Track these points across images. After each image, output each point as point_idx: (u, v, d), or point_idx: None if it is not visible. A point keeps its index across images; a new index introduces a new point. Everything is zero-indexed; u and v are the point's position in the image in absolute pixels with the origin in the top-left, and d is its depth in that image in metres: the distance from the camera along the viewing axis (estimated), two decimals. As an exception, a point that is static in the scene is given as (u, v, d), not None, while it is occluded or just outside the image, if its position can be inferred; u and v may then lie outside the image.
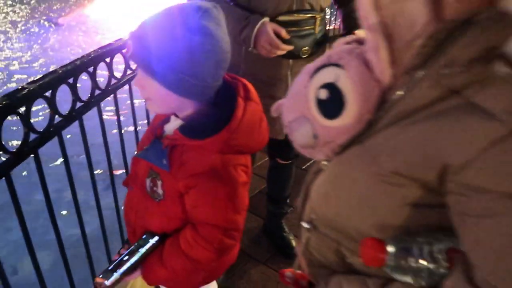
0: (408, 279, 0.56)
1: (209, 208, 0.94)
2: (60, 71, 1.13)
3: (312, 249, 0.73)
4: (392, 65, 0.58)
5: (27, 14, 9.23)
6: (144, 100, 0.93)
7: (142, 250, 0.99)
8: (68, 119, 1.21)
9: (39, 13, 9.25)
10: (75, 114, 1.24)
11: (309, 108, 0.64)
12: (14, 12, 9.45)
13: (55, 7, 9.71)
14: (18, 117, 0.99)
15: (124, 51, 1.38)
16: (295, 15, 1.42)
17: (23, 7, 10.02)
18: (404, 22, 0.56)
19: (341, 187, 0.63)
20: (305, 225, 0.72)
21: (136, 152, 1.08)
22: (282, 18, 1.41)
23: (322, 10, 1.51)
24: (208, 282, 1.17)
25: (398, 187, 0.55)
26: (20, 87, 1.00)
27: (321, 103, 0.62)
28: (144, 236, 1.02)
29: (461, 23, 0.52)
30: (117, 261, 0.97)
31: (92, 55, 1.27)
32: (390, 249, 0.55)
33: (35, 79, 1.06)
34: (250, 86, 0.97)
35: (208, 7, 0.84)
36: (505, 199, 0.47)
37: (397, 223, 0.57)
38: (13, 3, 10.20)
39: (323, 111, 0.62)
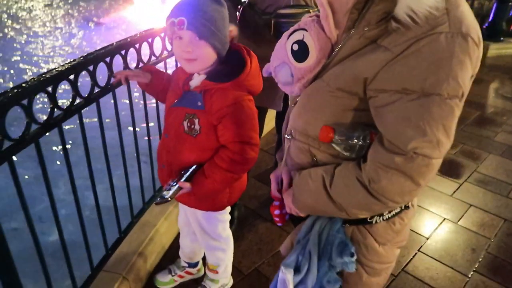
0: (346, 153, 0.90)
1: (236, 128, 1.32)
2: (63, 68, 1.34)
3: (291, 154, 1.05)
4: (336, 28, 0.91)
5: (68, 13, 9.91)
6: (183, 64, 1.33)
7: (187, 173, 1.35)
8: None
9: (79, 13, 9.91)
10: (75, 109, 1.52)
11: (287, 57, 0.96)
12: (55, 9, 10.16)
13: (95, 8, 10.35)
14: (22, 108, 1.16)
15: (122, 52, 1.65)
16: (293, 9, 1.71)
17: (64, 6, 10.74)
18: (340, 0, 0.87)
19: (308, 105, 0.97)
20: (287, 136, 1.05)
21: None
22: (281, 11, 1.70)
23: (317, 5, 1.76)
24: (231, 203, 1.58)
25: (341, 98, 0.88)
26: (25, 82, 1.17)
27: (294, 53, 0.95)
28: (183, 171, 1.36)
29: None
30: (168, 186, 1.32)
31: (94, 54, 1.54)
32: (336, 132, 0.89)
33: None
34: (248, 48, 1.37)
35: None
36: (394, 93, 0.79)
37: (341, 121, 0.90)
38: (55, 2, 10.95)
39: (295, 58, 0.95)
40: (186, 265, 1.92)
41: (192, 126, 1.35)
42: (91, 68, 1.46)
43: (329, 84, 0.89)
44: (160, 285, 1.92)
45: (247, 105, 1.35)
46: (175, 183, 1.34)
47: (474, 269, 2.13)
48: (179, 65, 1.41)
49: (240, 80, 1.31)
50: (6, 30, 8.29)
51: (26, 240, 1.35)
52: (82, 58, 1.43)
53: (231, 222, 2.16)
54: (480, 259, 2.19)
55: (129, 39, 1.66)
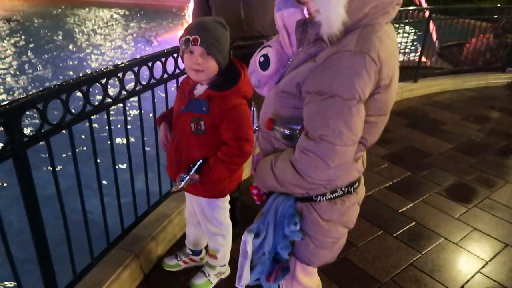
0: (285, 140, 1.18)
1: (236, 127, 1.61)
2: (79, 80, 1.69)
3: (260, 142, 1.33)
4: (291, 46, 1.19)
5: (125, 32, 10.82)
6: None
7: (195, 167, 1.64)
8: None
9: (137, 32, 10.80)
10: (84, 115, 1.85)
11: (256, 66, 1.27)
12: (113, 29, 11.13)
13: (154, 28, 11.22)
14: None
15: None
16: (247, 41, 2.05)
17: (121, 25, 11.71)
18: (292, 25, 1.14)
19: (267, 102, 1.25)
20: (256, 127, 1.36)
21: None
22: (238, 43, 2.02)
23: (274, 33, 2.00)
24: (231, 191, 1.87)
25: (283, 98, 1.17)
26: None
27: (260, 63, 1.25)
28: (191, 165, 1.65)
29: (308, 23, 1.09)
30: (181, 178, 1.63)
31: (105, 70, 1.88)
32: (276, 123, 1.18)
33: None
34: (239, 61, 1.69)
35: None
36: (314, 94, 1.05)
37: (283, 115, 1.18)
38: (113, 21, 11.98)
39: (261, 67, 1.25)
40: (191, 252, 2.18)
41: (199, 127, 1.63)
42: (120, 75, 1.80)
43: (279, 87, 1.18)
44: (167, 267, 2.19)
45: (244, 108, 1.65)
46: (186, 175, 1.63)
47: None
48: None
49: (237, 88, 1.61)
50: (67, 45, 9.24)
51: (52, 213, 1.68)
52: (113, 67, 1.78)
53: (235, 224, 2.43)
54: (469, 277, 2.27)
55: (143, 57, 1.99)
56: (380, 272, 2.27)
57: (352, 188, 1.27)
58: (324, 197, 1.23)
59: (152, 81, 2.03)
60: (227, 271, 2.17)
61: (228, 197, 1.91)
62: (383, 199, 2.97)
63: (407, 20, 5.08)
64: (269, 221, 1.28)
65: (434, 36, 7.96)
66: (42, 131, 1.47)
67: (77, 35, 10.48)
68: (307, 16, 1.10)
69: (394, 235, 2.58)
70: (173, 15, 12.29)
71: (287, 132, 1.15)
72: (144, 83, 1.97)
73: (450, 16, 6.14)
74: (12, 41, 9.43)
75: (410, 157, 3.65)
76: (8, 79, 6.86)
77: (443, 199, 3.01)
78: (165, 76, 2.11)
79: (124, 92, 1.87)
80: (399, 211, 2.84)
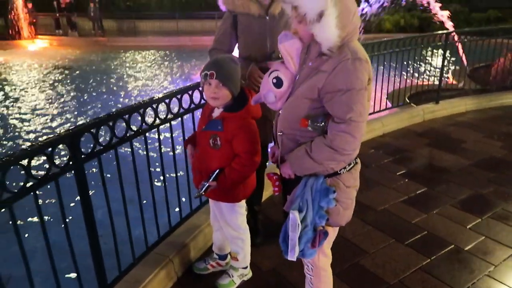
0: (316, 131, 1.58)
1: (245, 142, 1.98)
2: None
3: (284, 144, 1.72)
4: (295, 67, 1.63)
5: (166, 70, 11.67)
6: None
7: (213, 175, 2.00)
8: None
9: (176, 70, 11.62)
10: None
11: (271, 87, 1.68)
12: (155, 68, 12.02)
13: (189, 66, 12.04)
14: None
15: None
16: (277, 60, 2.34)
17: (162, 64, 12.62)
18: (293, 52, 1.65)
19: (290, 111, 1.65)
20: (279, 133, 1.73)
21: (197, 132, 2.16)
22: (260, 65, 2.34)
23: None
24: (246, 196, 2.22)
25: (306, 102, 1.59)
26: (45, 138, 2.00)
27: (274, 84, 1.67)
28: (210, 174, 2.01)
29: (309, 45, 1.59)
30: (202, 185, 2.00)
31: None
32: (309, 120, 1.57)
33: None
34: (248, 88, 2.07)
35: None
36: (334, 92, 1.51)
37: (310, 115, 1.58)
38: (155, 62, 12.92)
39: (276, 86, 1.67)
40: (217, 257, 2.50)
41: (215, 143, 2.00)
42: (155, 105, 2.22)
43: (299, 96, 1.63)
44: (196, 271, 2.52)
45: (252, 126, 2.03)
46: (206, 183, 1.99)
47: None
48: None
49: (246, 110, 1.99)
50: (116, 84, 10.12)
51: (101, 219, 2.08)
52: (148, 100, 2.20)
53: (257, 234, 2.73)
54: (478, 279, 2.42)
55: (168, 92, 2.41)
56: (389, 275, 2.47)
57: (356, 159, 1.72)
58: (345, 169, 1.66)
59: (181, 110, 2.44)
60: (249, 273, 2.46)
61: (244, 203, 2.24)
62: (397, 212, 3.17)
63: (436, 43, 5.30)
64: (307, 198, 1.64)
65: (464, 59, 8.09)
66: (95, 150, 1.89)
67: (123, 76, 11.46)
68: (304, 42, 1.62)
69: (405, 243, 2.77)
70: (206, 53, 13.10)
71: (319, 124, 1.58)
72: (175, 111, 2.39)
73: (479, 37, 6.19)
74: (68, 85, 10.50)
75: (428, 174, 3.82)
76: (68, 115, 8.09)
77: (456, 211, 3.16)
78: (192, 106, 2.52)
79: (158, 120, 2.28)
80: (412, 222, 3.03)
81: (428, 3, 9.29)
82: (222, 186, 2.02)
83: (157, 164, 2.53)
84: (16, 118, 7.90)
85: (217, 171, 2.02)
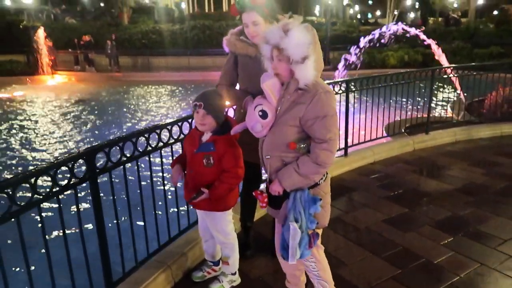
0: (302, 151, 2.01)
1: (232, 159, 2.36)
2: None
3: (272, 165, 2.08)
4: (276, 100, 2.02)
5: (177, 103, 12.26)
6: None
7: (205, 190, 2.35)
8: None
9: (186, 102, 12.20)
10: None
11: (258, 118, 2.03)
12: (167, 101, 12.63)
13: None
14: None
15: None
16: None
17: (174, 98, 13.23)
18: (274, 88, 2.03)
19: (276, 137, 2.04)
20: (267, 157, 2.08)
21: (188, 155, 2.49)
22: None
23: None
24: (231, 206, 2.55)
25: (290, 128, 2.00)
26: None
27: (260, 115, 2.02)
28: (201, 188, 2.37)
29: (288, 83, 1.98)
30: (195, 195, 2.35)
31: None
32: (297, 143, 1.99)
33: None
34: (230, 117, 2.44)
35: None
36: (313, 119, 1.94)
37: (295, 139, 2.00)
38: (167, 95, 13.56)
39: (262, 117, 2.02)
40: (211, 263, 2.83)
41: (209, 162, 2.37)
42: (158, 131, 2.64)
43: (283, 124, 2.00)
44: (195, 279, 2.83)
45: (236, 146, 2.42)
46: (199, 192, 2.36)
47: (433, 293, 2.63)
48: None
49: (230, 133, 2.37)
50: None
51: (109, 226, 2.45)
52: (153, 127, 2.62)
53: (248, 247, 3.06)
54: (443, 288, 2.69)
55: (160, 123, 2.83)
56: (362, 283, 2.76)
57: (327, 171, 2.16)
58: (322, 179, 2.10)
59: (181, 136, 2.85)
60: (237, 279, 2.77)
61: (231, 212, 2.59)
62: (377, 230, 3.47)
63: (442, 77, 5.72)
64: (299, 209, 2.01)
65: (461, 92, 8.49)
66: (107, 166, 2.29)
67: (135, 107, 12.10)
68: (282, 79, 2.00)
69: (381, 256, 3.07)
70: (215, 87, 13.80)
71: (303, 146, 1.99)
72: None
73: (477, 72, 6.59)
74: (84, 115, 11.15)
75: (411, 197, 4.12)
76: (87, 140, 8.93)
77: (432, 230, 3.45)
78: (181, 136, 2.91)
79: (160, 143, 2.69)
80: (390, 238, 3.32)
81: (424, 40, 9.80)
82: (213, 197, 2.38)
83: (159, 182, 2.91)
84: (35, 143, 8.48)
85: (207, 186, 2.40)
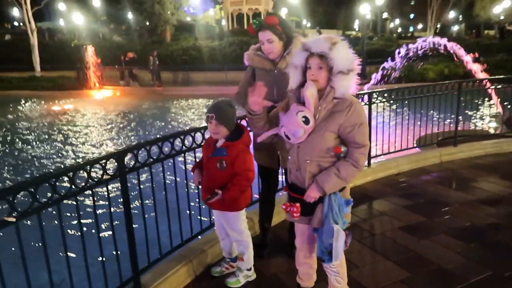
0: (342, 155, 2.18)
1: (243, 163, 2.58)
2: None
3: (310, 170, 2.19)
4: (315, 109, 2.14)
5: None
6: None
7: (218, 191, 2.58)
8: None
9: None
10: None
11: (301, 124, 2.10)
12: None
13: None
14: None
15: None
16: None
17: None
18: (314, 97, 2.12)
19: (316, 142, 2.15)
20: (306, 161, 2.18)
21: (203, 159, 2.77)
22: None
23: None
24: (245, 206, 2.82)
25: (330, 134, 2.14)
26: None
27: (304, 121, 2.10)
28: (216, 190, 2.60)
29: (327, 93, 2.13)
30: (208, 197, 2.59)
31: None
32: (342, 147, 2.17)
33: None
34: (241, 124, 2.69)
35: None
36: (352, 126, 2.13)
37: (334, 144, 2.16)
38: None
39: (304, 123, 2.10)
40: (229, 260, 3.05)
41: (222, 165, 2.63)
42: (182, 137, 2.93)
43: (323, 131, 2.12)
44: (214, 274, 3.07)
45: (247, 151, 2.66)
46: (213, 193, 2.61)
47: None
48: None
49: (242, 139, 2.63)
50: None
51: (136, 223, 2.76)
52: (176, 133, 2.91)
53: (265, 247, 3.27)
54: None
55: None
56: (371, 284, 2.88)
57: None
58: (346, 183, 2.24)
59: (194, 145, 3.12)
60: (253, 275, 2.98)
61: (244, 212, 2.82)
62: (392, 236, 3.56)
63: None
64: (336, 211, 2.17)
65: (499, 106, 8.32)
66: (135, 166, 2.60)
67: (172, 118, 12.69)
68: (319, 86, 2.13)
69: (392, 260, 3.17)
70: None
71: (344, 149, 2.16)
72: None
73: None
74: (127, 126, 11.84)
75: (431, 207, 4.17)
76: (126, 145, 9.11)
77: (448, 238, 3.49)
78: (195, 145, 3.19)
79: (184, 147, 2.98)
80: (404, 244, 3.41)
81: (456, 54, 9.67)
82: (226, 198, 2.61)
83: (183, 183, 3.19)
84: (80, 148, 9.18)
85: (221, 189, 2.64)
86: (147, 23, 28.06)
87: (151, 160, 2.73)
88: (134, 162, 2.59)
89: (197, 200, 3.24)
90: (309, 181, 2.19)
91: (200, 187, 2.82)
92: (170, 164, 2.98)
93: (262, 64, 2.96)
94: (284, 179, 3.21)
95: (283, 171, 3.20)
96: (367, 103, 4.88)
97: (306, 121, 2.07)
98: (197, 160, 2.93)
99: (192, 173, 2.82)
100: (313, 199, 2.18)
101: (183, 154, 3.04)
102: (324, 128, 2.11)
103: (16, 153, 9.69)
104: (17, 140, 10.93)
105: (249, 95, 2.22)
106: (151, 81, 20.62)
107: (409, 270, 3.03)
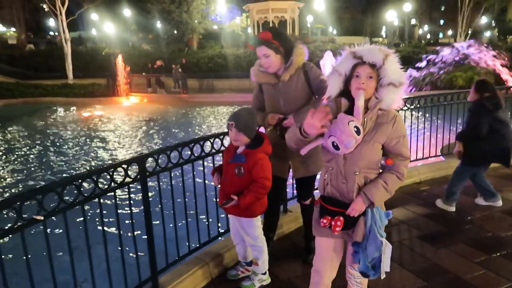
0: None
1: (262, 171, 2.66)
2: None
3: (358, 182, 2.08)
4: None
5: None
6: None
7: (234, 197, 2.65)
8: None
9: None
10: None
11: (354, 134, 1.97)
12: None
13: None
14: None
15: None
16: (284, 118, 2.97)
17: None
18: (359, 108, 2.02)
19: (366, 153, 2.07)
20: (356, 173, 2.07)
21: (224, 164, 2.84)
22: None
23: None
24: (260, 213, 2.86)
25: (378, 145, 2.10)
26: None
27: (356, 131, 1.98)
28: (232, 196, 2.68)
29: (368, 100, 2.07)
30: (224, 202, 2.68)
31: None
32: (393, 159, 2.13)
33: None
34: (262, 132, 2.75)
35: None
36: (397, 138, 2.10)
37: (380, 156, 2.13)
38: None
39: (356, 133, 1.98)
40: (245, 264, 3.13)
41: (240, 171, 2.72)
42: (201, 142, 3.04)
43: (372, 142, 2.06)
44: (230, 277, 3.14)
45: (266, 159, 2.72)
46: (229, 199, 2.69)
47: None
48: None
49: (262, 147, 2.71)
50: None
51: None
52: (196, 139, 3.02)
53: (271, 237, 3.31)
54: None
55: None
56: (386, 291, 2.89)
57: None
58: None
59: (222, 148, 3.23)
60: (267, 279, 3.04)
61: (259, 218, 2.88)
62: (410, 245, 3.55)
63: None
64: (379, 224, 2.12)
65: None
66: (155, 170, 2.72)
67: (196, 124, 12.92)
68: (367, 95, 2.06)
69: (408, 269, 3.15)
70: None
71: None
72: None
73: None
74: (151, 133, 12.15)
75: (452, 216, 4.11)
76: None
77: (468, 248, 3.44)
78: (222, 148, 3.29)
79: (203, 153, 3.09)
80: (421, 253, 3.39)
81: (486, 62, 9.46)
82: (242, 203, 2.68)
83: (202, 188, 3.30)
84: (107, 152, 9.51)
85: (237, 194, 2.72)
86: (175, 32, 28.76)
87: (171, 164, 2.84)
88: (154, 166, 2.72)
89: (215, 205, 3.34)
90: (355, 194, 2.09)
91: (219, 188, 2.92)
92: (190, 169, 3.09)
93: (266, 79, 2.99)
94: (297, 191, 3.26)
95: (294, 182, 3.27)
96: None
97: (358, 131, 1.98)
98: (216, 165, 3.03)
99: (211, 176, 2.92)
100: (358, 213, 2.09)
101: (201, 160, 3.14)
102: (374, 139, 2.06)
103: (47, 156, 10.15)
104: (49, 143, 11.43)
105: (308, 116, 2.01)
106: (173, 88, 21.19)
107: (425, 279, 3.01)
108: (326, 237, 2.23)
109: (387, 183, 2.07)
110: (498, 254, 3.33)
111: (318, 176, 2.70)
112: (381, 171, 2.15)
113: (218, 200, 2.94)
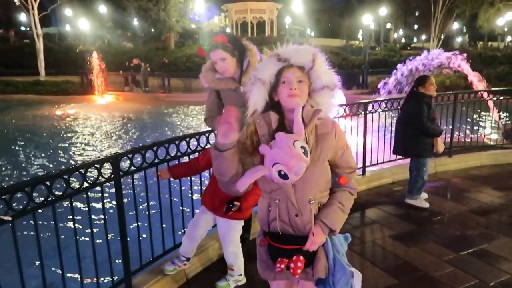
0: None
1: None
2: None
3: (312, 211, 1.72)
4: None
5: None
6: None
7: (237, 203, 2.64)
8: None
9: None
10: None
11: (303, 156, 1.55)
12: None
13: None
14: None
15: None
16: None
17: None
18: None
19: (317, 176, 1.71)
20: (310, 202, 1.71)
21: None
22: None
23: None
24: (245, 218, 2.84)
25: (327, 163, 1.75)
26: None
27: (303, 152, 1.55)
28: (234, 202, 2.66)
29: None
30: (230, 206, 2.64)
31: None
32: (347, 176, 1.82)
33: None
34: None
35: None
36: (342, 149, 1.78)
37: (329, 174, 1.78)
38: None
39: (304, 154, 1.55)
40: (184, 259, 3.01)
41: None
42: (177, 142, 3.02)
43: (324, 159, 1.73)
44: (167, 272, 2.96)
45: None
46: (231, 205, 2.66)
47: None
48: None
49: None
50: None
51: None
52: (172, 139, 3.00)
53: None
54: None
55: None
56: (358, 289, 2.94)
57: None
58: None
59: (199, 148, 3.22)
60: (243, 279, 3.05)
61: (242, 222, 2.88)
62: (382, 244, 3.63)
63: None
64: (342, 252, 1.82)
65: (496, 117, 8.38)
66: (130, 170, 2.69)
67: (171, 123, 12.81)
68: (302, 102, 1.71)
69: (380, 267, 3.23)
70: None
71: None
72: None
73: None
74: (126, 132, 11.97)
75: (422, 216, 4.23)
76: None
77: (437, 246, 3.55)
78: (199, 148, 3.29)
79: (179, 153, 3.08)
80: (393, 251, 3.47)
81: (459, 65, 9.75)
82: (244, 207, 2.71)
83: (175, 186, 3.28)
84: (79, 151, 9.31)
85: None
86: (152, 30, 28.38)
87: (146, 164, 2.81)
88: (129, 166, 2.68)
89: (190, 205, 3.32)
90: (308, 227, 1.72)
91: (204, 191, 2.90)
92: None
93: (226, 84, 2.85)
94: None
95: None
96: (363, 112, 4.98)
97: (305, 152, 1.57)
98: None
99: (185, 178, 2.90)
100: (319, 245, 1.74)
101: (177, 160, 3.12)
102: (322, 157, 1.70)
103: (17, 156, 9.83)
104: (19, 142, 11.08)
105: (218, 126, 1.62)
106: (142, 88, 20.79)
107: (396, 277, 3.09)
108: (281, 280, 1.92)
109: (343, 204, 1.75)
110: (466, 252, 3.45)
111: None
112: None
113: (203, 201, 2.90)
